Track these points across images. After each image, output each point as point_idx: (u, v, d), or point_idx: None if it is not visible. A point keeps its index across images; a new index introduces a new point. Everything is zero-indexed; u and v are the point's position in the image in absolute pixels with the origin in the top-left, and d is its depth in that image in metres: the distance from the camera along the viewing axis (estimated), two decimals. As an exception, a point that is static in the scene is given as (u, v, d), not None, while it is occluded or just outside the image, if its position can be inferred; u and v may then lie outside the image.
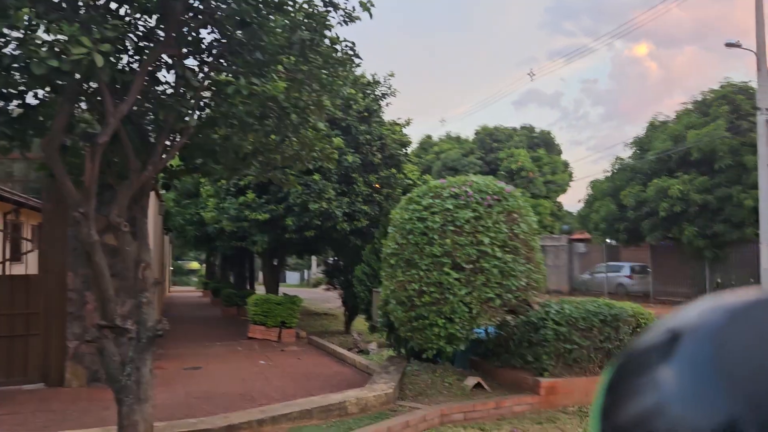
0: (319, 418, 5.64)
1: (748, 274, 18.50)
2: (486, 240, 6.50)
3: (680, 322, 0.41)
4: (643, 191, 19.60)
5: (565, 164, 34.95)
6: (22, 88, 4.50)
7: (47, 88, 4.69)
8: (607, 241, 23.53)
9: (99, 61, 3.63)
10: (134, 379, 4.61)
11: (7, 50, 3.80)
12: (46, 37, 3.68)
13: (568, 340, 6.67)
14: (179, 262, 53.19)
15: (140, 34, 5.25)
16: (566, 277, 27.20)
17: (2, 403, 6.43)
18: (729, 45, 18.44)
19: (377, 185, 11.66)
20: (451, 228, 6.58)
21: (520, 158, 31.85)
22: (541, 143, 35.05)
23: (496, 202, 6.79)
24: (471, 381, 6.83)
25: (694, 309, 0.42)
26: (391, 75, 12.55)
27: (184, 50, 5.17)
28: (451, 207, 6.68)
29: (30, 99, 4.89)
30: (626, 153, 22.55)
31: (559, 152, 35.70)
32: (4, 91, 4.50)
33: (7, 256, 8.16)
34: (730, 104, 19.06)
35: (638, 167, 20.75)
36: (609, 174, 22.37)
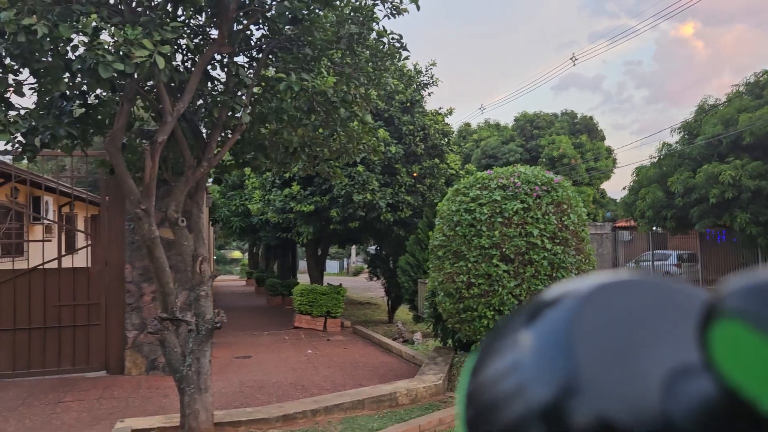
0: (371, 408, 5.72)
1: (805, 263, 17.79)
2: (535, 231, 6.43)
3: (559, 291, 0.42)
4: (692, 177, 18.98)
5: (609, 150, 34.13)
6: (84, 89, 4.66)
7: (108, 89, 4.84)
8: (654, 229, 22.92)
9: (161, 62, 3.73)
10: (194, 370, 4.76)
11: (72, 54, 3.93)
12: (109, 39, 3.80)
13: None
14: (222, 251, 54.35)
15: (193, 33, 5.37)
16: (610, 266, 26.69)
17: (68, 389, 6.74)
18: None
19: (414, 174, 11.64)
20: (499, 219, 6.54)
21: (561, 145, 31.27)
22: (583, 129, 34.30)
23: (544, 192, 6.70)
24: (520, 372, 6.79)
25: (567, 284, 0.43)
26: (433, 64, 12.46)
27: (236, 48, 5.26)
28: (498, 198, 6.63)
29: (90, 99, 5.07)
30: (673, 138, 21.87)
31: (602, 138, 34.87)
32: (68, 93, 4.67)
33: (64, 250, 8.48)
34: (786, 86, 18.25)
35: (687, 153, 20.10)
36: (655, 160, 21.74)
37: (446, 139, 12.52)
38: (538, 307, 0.42)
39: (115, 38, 3.67)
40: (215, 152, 5.22)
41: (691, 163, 19.77)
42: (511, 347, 0.41)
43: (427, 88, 12.38)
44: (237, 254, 56.56)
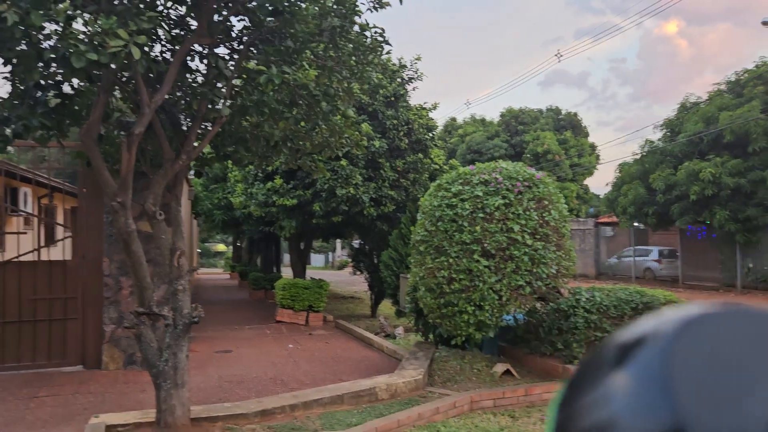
0: (350, 403, 5.71)
1: (782, 260, 18.10)
2: (516, 227, 6.45)
3: (634, 333, 0.41)
4: (674, 174, 19.20)
5: (592, 147, 34.38)
6: (59, 79, 4.57)
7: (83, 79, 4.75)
8: (635, 224, 23.16)
9: (136, 53, 3.66)
10: (171, 365, 4.71)
11: (46, 43, 3.84)
12: (83, 29, 3.72)
13: (599, 328, 6.62)
14: (206, 244, 53.96)
15: (172, 23, 5.28)
16: (593, 261, 26.93)
17: (43, 384, 6.64)
18: (766, 23, 17.85)
19: (399, 168, 11.63)
20: (481, 215, 6.54)
21: (546, 141, 31.43)
22: (568, 125, 34.51)
23: (526, 188, 6.72)
24: (500, 368, 6.83)
25: (648, 321, 0.42)
26: (418, 59, 12.43)
27: (216, 39, 5.18)
28: (480, 194, 6.63)
29: (66, 89, 4.97)
30: (656, 135, 22.11)
31: (586, 134, 35.12)
32: (42, 82, 4.57)
33: (43, 242, 8.35)
34: (765, 85, 18.49)
35: (668, 150, 20.31)
36: (638, 157, 21.95)
37: (430, 134, 12.51)
38: (625, 348, 0.40)
39: (89, 27, 3.59)
40: (195, 145, 5.16)
41: (673, 160, 19.99)
42: (604, 384, 0.39)
43: (412, 82, 12.35)
44: (221, 247, 56.20)
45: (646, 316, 0.43)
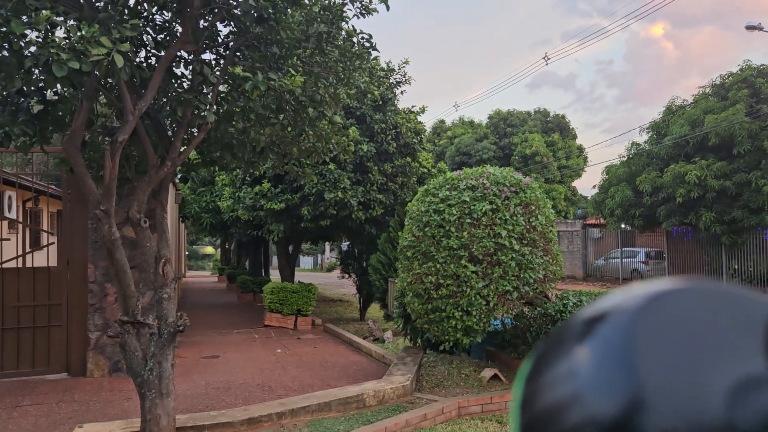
0: (338, 410, 5.68)
1: (766, 261, 18.29)
2: (503, 232, 6.46)
3: (597, 309, 0.42)
4: (660, 177, 19.35)
5: (580, 149, 34.59)
6: (41, 85, 4.51)
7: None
8: (623, 226, 23.32)
9: (119, 61, 3.62)
10: (156, 374, 4.66)
11: (27, 51, 3.79)
12: (63, 35, 3.68)
13: (586, 332, 6.64)
14: (194, 246, 53.74)
15: (157, 28, 5.24)
16: (580, 262, 27.07)
17: (27, 392, 6.55)
18: (750, 28, 18.04)
19: (387, 172, 11.64)
20: (468, 220, 6.55)
21: (534, 143, 31.58)
22: (556, 127, 34.69)
23: (513, 194, 6.73)
24: (488, 372, 6.83)
25: (612, 297, 0.42)
26: (406, 62, 12.44)
27: (201, 45, 5.14)
28: (468, 199, 6.64)
29: (49, 95, 4.91)
30: (642, 138, 22.25)
31: (574, 136, 35.32)
32: (25, 89, 4.51)
33: (27, 247, 8.25)
34: (750, 88, 18.67)
35: (655, 152, 20.47)
36: (625, 159, 22.11)
37: (418, 137, 12.52)
38: (590, 322, 0.41)
39: (71, 35, 3.54)
40: (180, 151, 5.12)
41: (659, 162, 20.15)
42: (568, 359, 0.40)
43: (400, 86, 12.35)
44: (210, 250, 56.03)
45: (612, 293, 0.43)
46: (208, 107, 5.00)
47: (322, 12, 5.47)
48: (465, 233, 6.50)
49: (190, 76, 5.35)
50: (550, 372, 0.41)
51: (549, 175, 31.11)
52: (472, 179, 6.87)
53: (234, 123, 5.81)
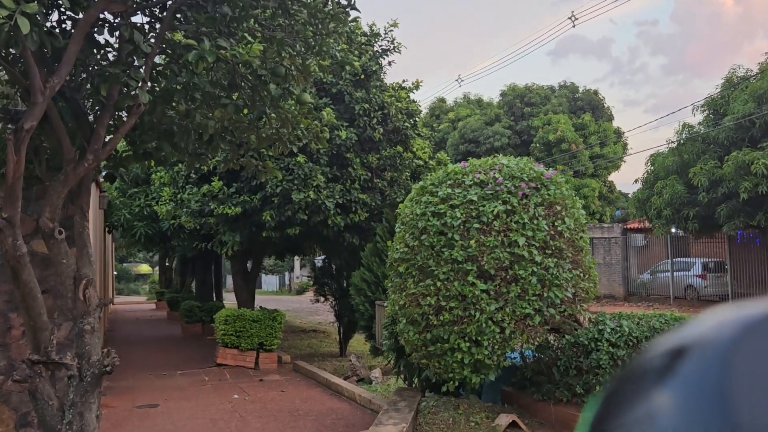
0: (312, 471, 5.69)
1: None
2: (521, 240, 6.51)
3: (684, 338, 0.42)
4: (719, 167, 19.57)
5: (618, 133, 34.93)
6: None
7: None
8: (673, 231, 23.54)
9: (24, 26, 3.62)
10: (77, 428, 4.65)
11: None
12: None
13: (628, 366, 6.71)
14: (125, 264, 53.49)
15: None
16: (620, 277, 27.28)
17: None
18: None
19: (372, 166, 11.70)
20: (476, 225, 6.59)
21: (559, 126, 31.83)
22: (587, 106, 35.01)
23: (533, 190, 6.79)
24: (504, 419, 6.87)
25: (702, 323, 0.43)
26: (394, 25, 12.51)
27: (131, 4, 5.15)
28: (475, 198, 6.69)
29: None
30: (696, 118, 22.51)
31: (610, 117, 35.68)
32: None
33: None
34: (830, 54, 18.99)
35: (712, 137, 20.72)
36: (674, 145, 22.35)
37: (411, 121, 12.60)
38: (674, 356, 0.41)
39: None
40: (104, 142, 5.12)
41: (718, 149, 20.37)
42: (646, 401, 0.40)
43: (387, 55, 12.42)
44: (145, 268, 55.76)
45: (701, 317, 0.43)
46: (140, 84, 5.01)
47: (285, -39, 5.51)
48: (472, 242, 6.54)
49: (116, 45, 5.35)
50: (624, 415, 0.41)
51: (579, 166, 31.36)
52: (480, 173, 6.92)
53: (174, 104, 5.83)
